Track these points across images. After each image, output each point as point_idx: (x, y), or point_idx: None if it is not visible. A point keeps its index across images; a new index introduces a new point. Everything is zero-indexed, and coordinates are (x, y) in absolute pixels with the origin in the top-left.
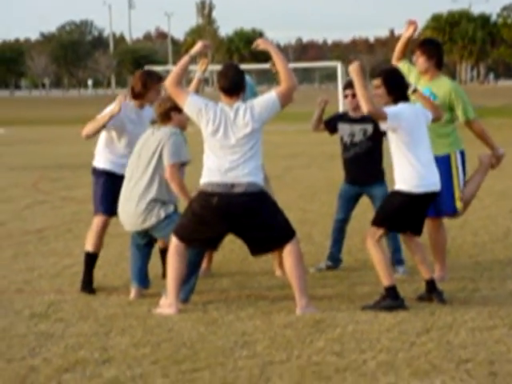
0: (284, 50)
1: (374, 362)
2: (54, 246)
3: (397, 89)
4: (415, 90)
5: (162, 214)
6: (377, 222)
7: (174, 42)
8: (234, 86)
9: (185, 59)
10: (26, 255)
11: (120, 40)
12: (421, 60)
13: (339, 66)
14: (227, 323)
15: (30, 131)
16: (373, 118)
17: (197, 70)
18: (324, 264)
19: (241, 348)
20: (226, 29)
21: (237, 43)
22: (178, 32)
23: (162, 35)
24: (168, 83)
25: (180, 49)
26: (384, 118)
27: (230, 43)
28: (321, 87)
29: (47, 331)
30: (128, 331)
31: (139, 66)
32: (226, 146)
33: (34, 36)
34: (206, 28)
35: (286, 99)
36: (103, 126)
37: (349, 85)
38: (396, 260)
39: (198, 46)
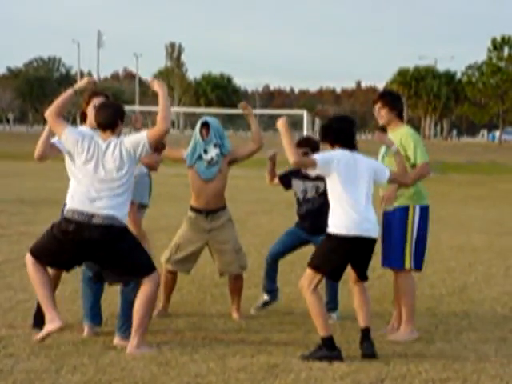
0: (251, 96)
1: None
2: (9, 281)
3: (338, 134)
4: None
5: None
6: (311, 265)
7: (142, 83)
8: (106, 122)
9: (68, 92)
10: None
11: None
12: (383, 112)
13: (305, 114)
14: (181, 364)
15: None
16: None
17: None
18: (261, 301)
19: None
20: (194, 72)
21: (204, 87)
22: (146, 72)
23: (130, 75)
24: (48, 113)
25: (147, 90)
26: (313, 165)
27: (198, 86)
28: None
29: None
30: (80, 369)
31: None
32: (94, 178)
33: (0, 70)
34: (174, 70)
35: (155, 140)
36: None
37: (301, 143)
38: (329, 308)
39: (84, 81)
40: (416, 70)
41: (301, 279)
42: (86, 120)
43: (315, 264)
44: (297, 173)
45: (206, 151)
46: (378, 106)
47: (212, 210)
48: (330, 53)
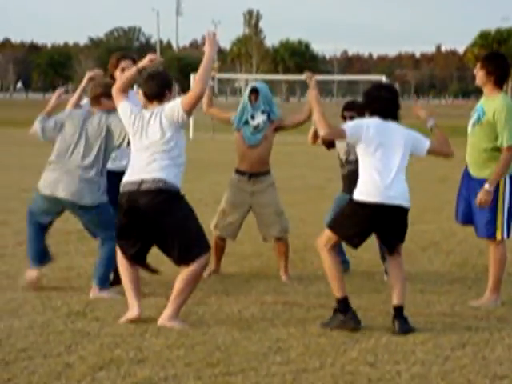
0: (329, 62)
1: (407, 374)
2: (93, 247)
3: (376, 103)
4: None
5: (97, 200)
6: (329, 225)
7: (220, 51)
8: (152, 92)
9: (132, 71)
10: (65, 254)
11: (167, 47)
12: (480, 73)
13: (384, 79)
14: (262, 329)
15: None
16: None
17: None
18: None
19: (274, 354)
20: (272, 39)
21: (282, 54)
22: (224, 41)
23: None
24: (114, 88)
25: (226, 57)
26: (342, 135)
27: (276, 53)
28: None
29: (83, 329)
30: (163, 333)
31: (185, 73)
32: (141, 147)
33: (82, 41)
34: (252, 38)
35: (189, 106)
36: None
37: (347, 107)
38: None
39: (146, 59)
40: (498, 32)
41: (318, 237)
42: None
43: (333, 226)
44: None
45: (252, 117)
46: (478, 65)
47: (255, 174)
48: (409, 17)
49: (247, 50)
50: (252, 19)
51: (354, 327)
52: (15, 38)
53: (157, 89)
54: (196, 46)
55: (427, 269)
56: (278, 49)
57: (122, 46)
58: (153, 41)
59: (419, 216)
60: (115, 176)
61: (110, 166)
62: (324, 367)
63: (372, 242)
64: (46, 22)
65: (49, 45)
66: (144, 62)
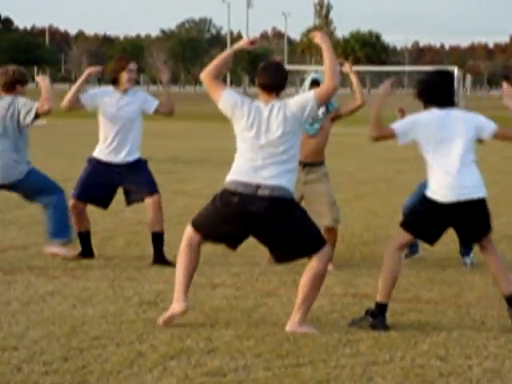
0: (400, 53)
1: (479, 368)
2: (164, 237)
3: (430, 91)
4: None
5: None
6: (402, 223)
7: (290, 42)
8: (273, 83)
9: (226, 53)
10: (137, 244)
11: (237, 38)
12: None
13: (456, 70)
14: (331, 321)
15: (147, 126)
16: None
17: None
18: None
19: (344, 346)
20: (342, 30)
21: (352, 45)
22: (295, 32)
23: (279, 35)
24: (204, 75)
25: (296, 49)
26: (393, 136)
27: (346, 44)
28: None
29: (155, 319)
30: (233, 324)
31: (255, 65)
32: (256, 145)
33: (154, 32)
34: (322, 29)
35: (323, 100)
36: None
37: None
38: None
39: (244, 41)
40: None
41: (392, 236)
42: (116, 83)
43: (407, 224)
44: None
45: None
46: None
47: (309, 163)
48: (483, 6)
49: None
50: (322, 10)
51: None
52: (89, 31)
53: (281, 80)
54: (266, 37)
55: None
56: (349, 40)
57: (193, 38)
58: (223, 32)
59: (491, 209)
60: (104, 165)
61: (102, 156)
62: (394, 360)
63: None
64: (119, 14)
65: (121, 37)
66: (241, 43)
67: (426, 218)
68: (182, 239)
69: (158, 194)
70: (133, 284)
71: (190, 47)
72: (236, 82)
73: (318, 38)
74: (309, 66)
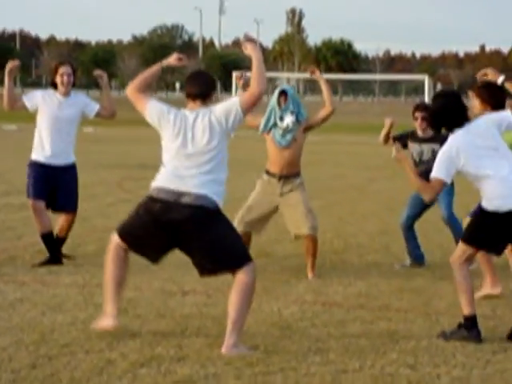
0: (371, 61)
1: (447, 377)
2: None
3: (448, 119)
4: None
5: None
6: (463, 238)
7: (263, 49)
8: (197, 91)
9: (155, 68)
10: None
11: (209, 45)
12: (476, 102)
13: (426, 79)
14: (301, 329)
15: (117, 131)
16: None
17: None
18: (408, 261)
19: (314, 354)
20: (314, 38)
21: (324, 53)
22: (267, 39)
23: None
24: (130, 88)
25: (268, 56)
26: (445, 185)
27: (318, 52)
28: (407, 100)
29: (125, 326)
30: (203, 331)
31: (227, 71)
32: (182, 154)
33: (126, 38)
34: (294, 36)
35: (248, 106)
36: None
37: (418, 107)
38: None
39: (173, 58)
40: None
41: (454, 253)
42: (56, 88)
43: (467, 238)
44: (413, 136)
45: (281, 118)
46: (471, 95)
47: (285, 176)
48: (454, 16)
49: (289, 48)
50: (295, 18)
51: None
52: (60, 35)
53: (205, 87)
54: (238, 44)
55: None
56: (321, 48)
57: (164, 44)
58: (195, 39)
59: None
60: (43, 167)
61: (41, 158)
62: (363, 368)
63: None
64: (91, 20)
65: (93, 42)
66: (170, 59)
67: (489, 229)
68: (109, 248)
69: (75, 212)
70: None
71: (162, 53)
72: None
73: (248, 49)
74: (281, 73)
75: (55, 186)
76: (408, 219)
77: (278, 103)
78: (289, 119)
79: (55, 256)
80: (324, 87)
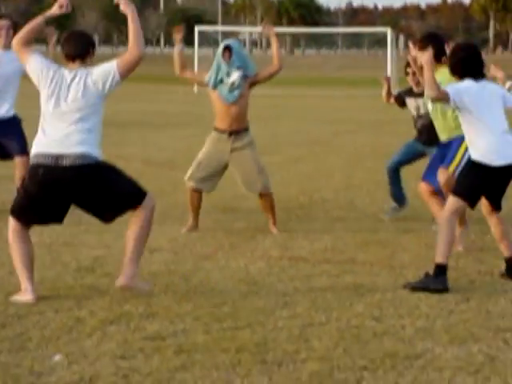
0: (334, 14)
1: (412, 327)
2: None
3: (466, 66)
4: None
5: None
6: (454, 191)
7: (224, 3)
8: (74, 51)
9: (37, 20)
10: (73, 210)
11: None
12: (420, 55)
13: (389, 31)
14: (268, 284)
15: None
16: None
17: (176, 43)
18: (393, 204)
19: (281, 309)
20: None
21: (287, 5)
22: None
23: None
24: (15, 41)
25: (230, 10)
26: (447, 99)
27: (280, 5)
28: (369, 53)
29: (93, 285)
30: (171, 288)
31: (189, 25)
32: (56, 113)
33: None
34: None
35: (126, 69)
36: None
37: (408, 64)
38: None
39: (55, 7)
40: None
41: (445, 207)
42: None
43: (456, 190)
44: (409, 91)
45: (228, 74)
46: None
47: (234, 131)
48: None
49: (251, 2)
50: None
51: (441, 289)
52: None
53: (81, 46)
54: None
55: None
56: (283, 0)
57: None
58: None
59: None
60: None
61: None
62: (330, 321)
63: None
64: None
65: None
66: (53, 9)
67: (477, 182)
68: (9, 232)
69: (28, 156)
70: (70, 249)
71: None
72: (170, 42)
73: (123, 6)
74: (243, 27)
75: None
76: (395, 163)
77: (224, 58)
78: (235, 75)
79: None
80: (274, 44)
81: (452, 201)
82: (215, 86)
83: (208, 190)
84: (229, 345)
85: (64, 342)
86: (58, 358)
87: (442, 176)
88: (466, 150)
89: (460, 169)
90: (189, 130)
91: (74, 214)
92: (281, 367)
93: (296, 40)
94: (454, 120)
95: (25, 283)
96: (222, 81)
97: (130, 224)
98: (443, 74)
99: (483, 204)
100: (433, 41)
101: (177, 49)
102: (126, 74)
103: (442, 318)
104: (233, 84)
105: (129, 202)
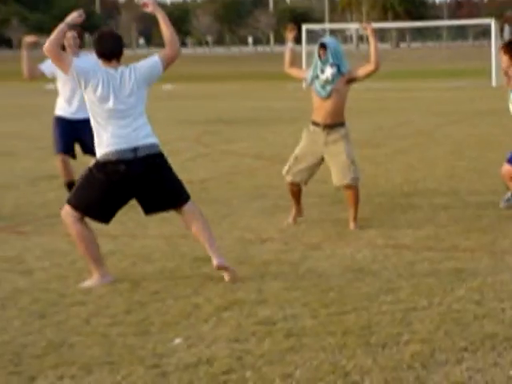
0: (439, 7)
1: (511, 310)
2: (213, 195)
3: None
4: None
5: None
6: None
7: (331, 0)
8: (114, 50)
9: (61, 27)
10: None
11: None
12: (504, 58)
13: (493, 22)
14: (373, 271)
15: (194, 87)
16: None
17: (288, 41)
18: (508, 195)
19: (385, 294)
20: None
21: (392, 1)
22: None
23: None
24: (49, 48)
25: (336, 7)
26: None
27: (385, 1)
28: (475, 44)
29: (209, 274)
30: (281, 276)
31: (298, 24)
32: (116, 112)
33: None
34: None
35: (168, 63)
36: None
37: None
38: None
39: (74, 15)
40: None
41: None
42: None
43: None
44: None
45: (322, 71)
46: (500, 52)
47: (328, 125)
48: None
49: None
50: None
51: None
52: None
53: (118, 46)
54: None
55: None
56: None
57: (236, 0)
58: None
59: None
60: (68, 122)
61: (67, 115)
62: (432, 306)
63: (477, 187)
64: None
65: (168, 1)
66: (71, 17)
67: None
68: (65, 223)
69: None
70: (187, 242)
71: (234, 9)
72: (280, 40)
73: (151, 8)
74: (350, 24)
75: (78, 137)
76: None
77: (319, 56)
78: (329, 71)
79: None
80: (372, 44)
81: None
82: (312, 82)
83: (305, 182)
84: (335, 328)
85: (183, 327)
86: (177, 341)
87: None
88: None
89: None
90: (297, 124)
91: None
92: (384, 349)
93: (402, 34)
94: None
95: (100, 269)
96: (317, 77)
97: (189, 223)
98: None
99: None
100: None
101: (288, 46)
102: (166, 67)
103: None
104: (326, 80)
105: (178, 198)
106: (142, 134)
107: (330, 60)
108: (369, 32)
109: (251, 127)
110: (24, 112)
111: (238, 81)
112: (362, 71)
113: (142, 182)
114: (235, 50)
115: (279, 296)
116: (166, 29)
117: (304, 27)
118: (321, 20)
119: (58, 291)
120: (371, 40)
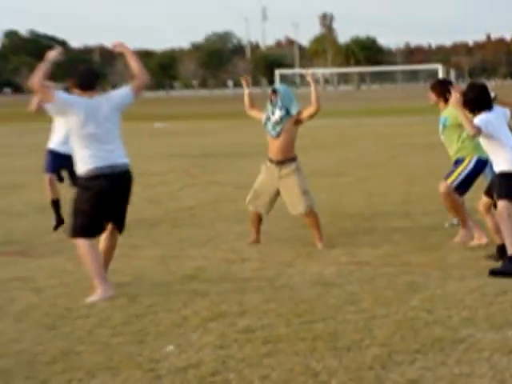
0: (394, 54)
1: (457, 317)
2: (201, 221)
3: (477, 104)
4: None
5: None
6: (503, 196)
7: (301, 49)
8: (91, 83)
9: (45, 65)
10: (179, 227)
11: (255, 47)
12: (432, 96)
13: (440, 68)
14: (338, 285)
15: (182, 125)
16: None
17: (244, 88)
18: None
19: (349, 305)
20: (343, 36)
21: (353, 48)
22: (304, 39)
23: (290, 42)
24: (35, 81)
25: (305, 54)
26: (480, 132)
27: (347, 49)
28: (425, 85)
29: (196, 289)
30: (259, 290)
31: (271, 69)
32: (96, 136)
33: (184, 44)
34: (327, 36)
35: (138, 92)
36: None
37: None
38: None
39: (53, 54)
40: None
41: (497, 212)
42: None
43: (505, 194)
44: None
45: (273, 113)
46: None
47: (280, 161)
48: (463, 8)
49: (323, 46)
50: (326, 20)
51: None
52: (131, 46)
53: (94, 79)
54: (280, 45)
55: None
56: (350, 44)
57: (218, 49)
58: (244, 42)
59: None
60: (58, 155)
61: (58, 148)
62: (389, 314)
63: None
64: (155, 32)
65: (157, 49)
66: (53, 55)
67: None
68: (80, 248)
69: None
70: (176, 261)
71: (216, 57)
72: (256, 83)
73: (119, 48)
74: (316, 69)
75: (66, 167)
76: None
77: (270, 100)
78: (278, 114)
79: (60, 216)
80: (312, 88)
81: (502, 204)
82: (265, 123)
83: (265, 212)
84: (306, 335)
85: (174, 336)
86: (170, 348)
87: (441, 186)
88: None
89: (457, 182)
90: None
91: (179, 232)
92: (349, 352)
93: (362, 77)
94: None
95: (105, 284)
96: (269, 118)
97: (108, 242)
98: (449, 111)
99: (482, 201)
100: (442, 87)
101: (245, 92)
102: (137, 94)
103: (483, 309)
104: (276, 121)
105: (123, 220)
106: (117, 154)
107: (279, 103)
108: (309, 78)
109: (232, 160)
110: (34, 149)
111: (219, 119)
112: (305, 113)
113: (115, 196)
114: (217, 92)
115: (258, 308)
116: (134, 63)
117: (277, 72)
118: (292, 65)
119: (65, 306)
120: (312, 85)
